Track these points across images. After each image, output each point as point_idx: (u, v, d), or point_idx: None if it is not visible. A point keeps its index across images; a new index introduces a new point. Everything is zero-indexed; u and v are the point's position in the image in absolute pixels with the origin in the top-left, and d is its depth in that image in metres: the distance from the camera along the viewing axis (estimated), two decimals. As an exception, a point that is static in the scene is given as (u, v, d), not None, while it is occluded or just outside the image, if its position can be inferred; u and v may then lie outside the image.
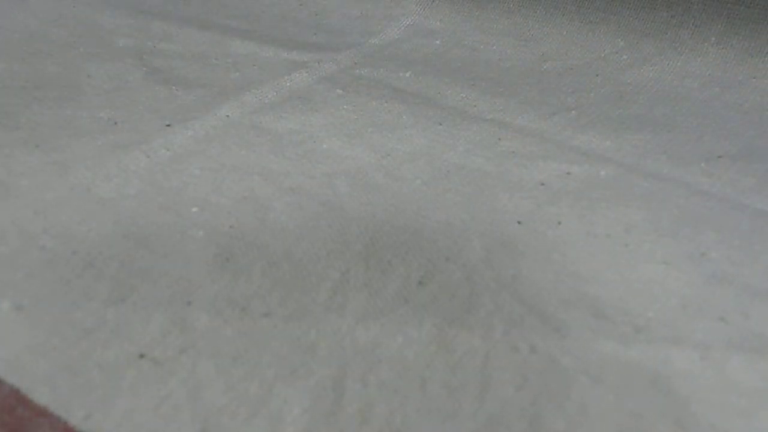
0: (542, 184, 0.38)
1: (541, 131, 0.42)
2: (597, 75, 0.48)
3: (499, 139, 0.41)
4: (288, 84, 0.47)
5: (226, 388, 0.27)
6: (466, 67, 0.50)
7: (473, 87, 0.47)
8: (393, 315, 0.30)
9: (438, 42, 0.53)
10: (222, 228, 0.35)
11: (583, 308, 0.30)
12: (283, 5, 0.60)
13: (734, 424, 0.26)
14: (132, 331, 0.29)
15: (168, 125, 0.43)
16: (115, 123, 0.43)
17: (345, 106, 0.45)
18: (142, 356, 0.28)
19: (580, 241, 0.34)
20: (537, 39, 0.52)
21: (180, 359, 0.28)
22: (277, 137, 0.42)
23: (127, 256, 0.33)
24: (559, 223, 0.35)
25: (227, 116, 0.44)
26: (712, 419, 0.26)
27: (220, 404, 0.26)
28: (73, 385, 0.27)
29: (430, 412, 0.26)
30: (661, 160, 0.39)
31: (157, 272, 0.32)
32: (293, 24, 0.57)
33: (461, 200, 0.36)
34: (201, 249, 0.33)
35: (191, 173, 0.38)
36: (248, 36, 0.54)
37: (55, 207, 0.35)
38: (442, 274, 0.32)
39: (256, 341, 0.29)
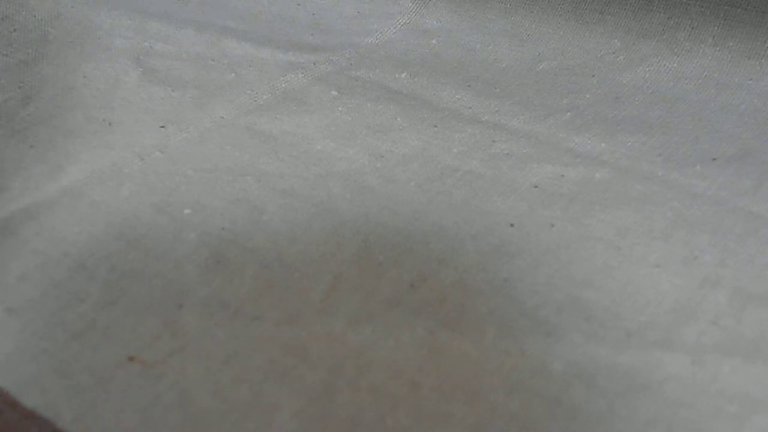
0: (536, 187, 0.37)
1: (536, 133, 0.42)
2: (593, 76, 0.48)
3: (494, 141, 0.41)
4: (283, 85, 0.47)
5: (216, 391, 0.27)
6: (461, 68, 0.50)
7: (469, 88, 0.47)
8: (385, 318, 0.30)
9: (434, 41, 0.53)
10: (214, 230, 0.34)
11: (574, 312, 0.30)
12: (281, 5, 0.60)
13: (726, 430, 0.26)
14: (122, 334, 0.29)
15: (162, 126, 0.43)
16: (110, 124, 0.43)
17: (339, 108, 0.45)
18: (131, 359, 0.28)
19: (573, 245, 0.34)
20: (533, 39, 0.52)
21: (170, 362, 0.28)
22: (272, 139, 0.42)
23: (118, 258, 0.33)
24: (552, 226, 0.35)
25: (222, 117, 0.44)
26: (704, 424, 0.26)
27: (210, 407, 0.26)
28: (62, 387, 0.27)
29: (421, 417, 0.26)
30: (656, 162, 0.39)
31: (148, 274, 0.32)
32: (290, 24, 0.57)
33: (454, 203, 0.36)
34: (193, 251, 0.33)
35: (184, 175, 0.38)
36: (245, 37, 0.54)
37: (47, 209, 0.35)
38: (434, 277, 0.32)
39: (246, 344, 0.29)
